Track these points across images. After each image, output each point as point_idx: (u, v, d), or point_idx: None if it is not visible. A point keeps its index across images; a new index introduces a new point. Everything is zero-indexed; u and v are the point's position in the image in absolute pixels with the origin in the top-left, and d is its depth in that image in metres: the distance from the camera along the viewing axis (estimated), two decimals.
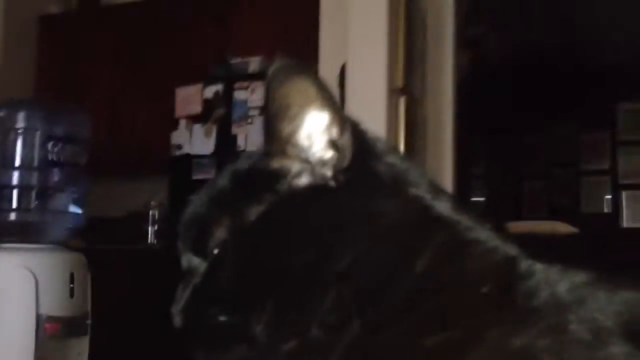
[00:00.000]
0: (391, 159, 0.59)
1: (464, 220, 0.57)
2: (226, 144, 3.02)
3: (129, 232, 3.61)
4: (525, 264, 0.57)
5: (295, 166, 0.57)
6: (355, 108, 0.59)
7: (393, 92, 2.57)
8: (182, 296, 0.59)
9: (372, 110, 2.46)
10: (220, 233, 0.57)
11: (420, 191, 0.58)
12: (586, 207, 5.26)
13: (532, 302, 0.53)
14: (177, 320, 0.58)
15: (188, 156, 3.07)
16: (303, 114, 0.56)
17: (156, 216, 3.45)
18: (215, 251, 0.57)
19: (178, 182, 3.07)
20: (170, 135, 3.20)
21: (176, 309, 0.58)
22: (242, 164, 0.60)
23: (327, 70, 2.71)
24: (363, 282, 0.53)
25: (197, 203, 0.60)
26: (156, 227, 3.44)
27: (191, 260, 0.59)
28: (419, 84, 2.90)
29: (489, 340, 0.51)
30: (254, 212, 0.56)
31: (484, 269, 0.55)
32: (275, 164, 0.57)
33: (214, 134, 3.06)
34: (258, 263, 0.55)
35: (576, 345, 0.51)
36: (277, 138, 0.57)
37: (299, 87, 0.56)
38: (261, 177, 0.57)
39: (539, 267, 0.57)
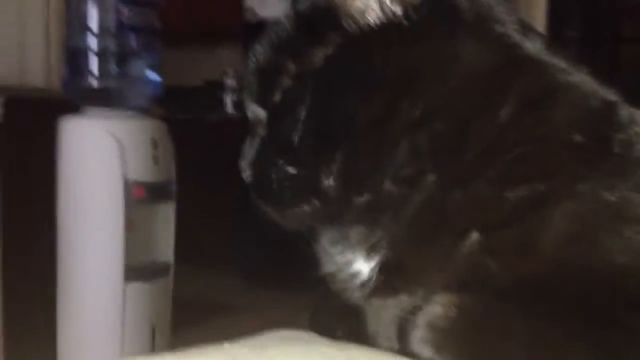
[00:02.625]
0: None
1: (558, 62, 0.51)
2: None
3: (207, 101, 3.65)
4: (626, 111, 0.51)
5: (357, 2, 0.51)
6: None
7: None
8: (250, 149, 0.56)
9: None
10: (285, 80, 0.53)
11: (508, 29, 0.51)
12: None
13: (632, 153, 0.48)
14: (246, 175, 0.56)
15: (263, 22, 3.00)
16: None
17: (232, 85, 3.45)
18: (281, 100, 0.53)
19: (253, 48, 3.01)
20: (244, 0, 3.12)
21: (244, 163, 0.56)
22: (304, 3, 0.54)
23: None
24: (439, 132, 0.49)
25: (259, 51, 0.55)
26: (233, 97, 3.45)
27: (257, 112, 0.56)
28: None
29: (579, 193, 0.46)
30: (320, 55, 0.51)
31: (577, 116, 0.49)
32: None
33: None
34: (326, 110, 0.51)
35: None
36: None
37: None
38: (324, 15, 0.52)
39: None
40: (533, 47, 0.51)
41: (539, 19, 2.96)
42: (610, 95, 0.52)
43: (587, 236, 0.46)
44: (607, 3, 4.91)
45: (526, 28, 0.53)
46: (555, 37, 3.63)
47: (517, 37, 0.51)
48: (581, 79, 0.51)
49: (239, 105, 3.48)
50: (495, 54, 0.50)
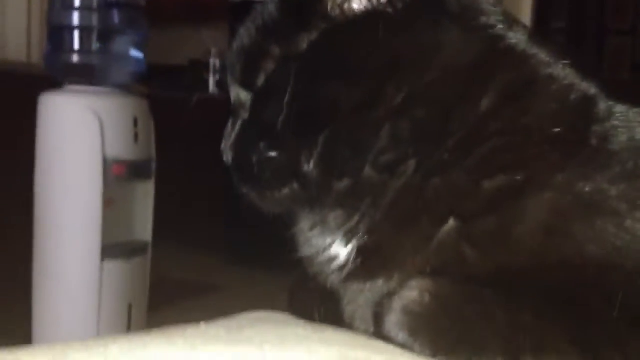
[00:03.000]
0: None
1: (540, 55, 0.52)
2: None
3: (191, 80, 3.62)
4: (604, 104, 0.52)
5: None
6: None
7: None
8: (231, 132, 0.56)
9: None
10: (269, 64, 0.53)
11: (491, 20, 0.52)
12: None
13: (608, 145, 0.49)
14: (227, 157, 0.56)
15: (248, 2, 2.96)
16: None
17: (217, 65, 3.43)
18: (264, 83, 0.53)
19: (238, 29, 2.98)
20: None
21: (225, 145, 0.56)
22: None
23: None
24: (421, 119, 0.49)
25: (244, 33, 0.55)
26: (217, 77, 3.43)
27: (240, 95, 0.56)
28: None
29: (556, 184, 0.47)
30: (305, 40, 0.51)
31: (556, 108, 0.50)
32: None
33: None
34: (309, 95, 0.51)
35: None
36: None
37: None
38: (309, 1, 0.52)
39: (619, 108, 0.52)
40: (516, 39, 0.52)
41: (526, 10, 2.98)
42: (590, 88, 0.53)
43: (562, 227, 0.47)
44: None
45: (510, 20, 0.53)
46: (542, 28, 3.65)
47: (500, 28, 0.52)
48: (562, 72, 0.52)
49: (222, 85, 3.45)
50: (478, 44, 0.51)
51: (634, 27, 4.92)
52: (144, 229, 1.77)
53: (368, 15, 0.51)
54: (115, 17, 1.73)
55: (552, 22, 4.56)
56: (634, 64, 4.84)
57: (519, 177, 0.48)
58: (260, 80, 0.54)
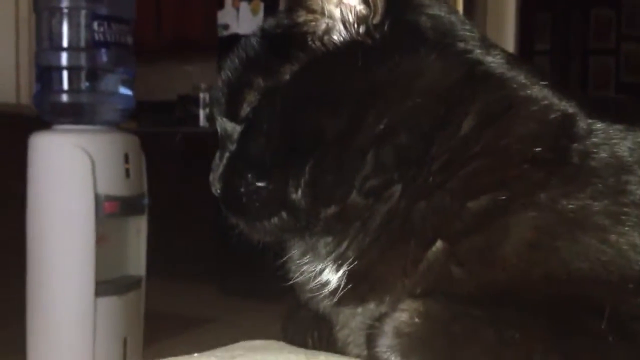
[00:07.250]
0: (435, 10, 0.54)
1: (518, 77, 0.53)
2: None
3: (180, 115, 3.64)
4: (584, 122, 0.53)
5: (321, 22, 0.52)
6: None
7: None
8: (219, 164, 0.57)
9: None
10: (253, 96, 0.54)
11: (469, 45, 0.53)
12: None
13: (590, 162, 0.50)
14: (216, 189, 0.57)
15: (236, 36, 3.01)
16: None
17: (206, 99, 3.45)
18: (250, 115, 0.54)
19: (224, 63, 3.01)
20: (216, 14, 3.13)
21: (214, 177, 0.57)
22: (270, 22, 0.56)
23: None
24: (403, 144, 0.50)
25: (228, 67, 0.56)
26: (206, 110, 3.45)
27: (226, 126, 0.57)
28: None
29: (538, 202, 0.48)
30: (287, 71, 0.52)
31: (536, 128, 0.51)
32: (299, 18, 0.53)
33: (261, 12, 2.98)
34: (293, 125, 0.52)
35: (636, 207, 0.48)
36: None
37: None
38: (290, 34, 0.53)
39: (599, 125, 0.53)
40: (494, 63, 0.53)
41: (509, 34, 3.02)
42: (569, 107, 0.53)
43: (546, 243, 0.47)
44: (576, 18, 5.01)
45: (487, 44, 0.54)
46: (526, 50, 3.70)
47: (478, 53, 0.53)
48: (541, 92, 0.53)
49: (211, 119, 3.47)
50: (457, 70, 0.52)
51: (617, 47, 4.99)
52: (137, 264, 1.77)
53: (348, 46, 0.52)
54: (104, 56, 1.74)
55: (537, 44, 4.63)
56: (618, 83, 4.91)
57: (502, 197, 0.49)
58: (245, 111, 0.55)
